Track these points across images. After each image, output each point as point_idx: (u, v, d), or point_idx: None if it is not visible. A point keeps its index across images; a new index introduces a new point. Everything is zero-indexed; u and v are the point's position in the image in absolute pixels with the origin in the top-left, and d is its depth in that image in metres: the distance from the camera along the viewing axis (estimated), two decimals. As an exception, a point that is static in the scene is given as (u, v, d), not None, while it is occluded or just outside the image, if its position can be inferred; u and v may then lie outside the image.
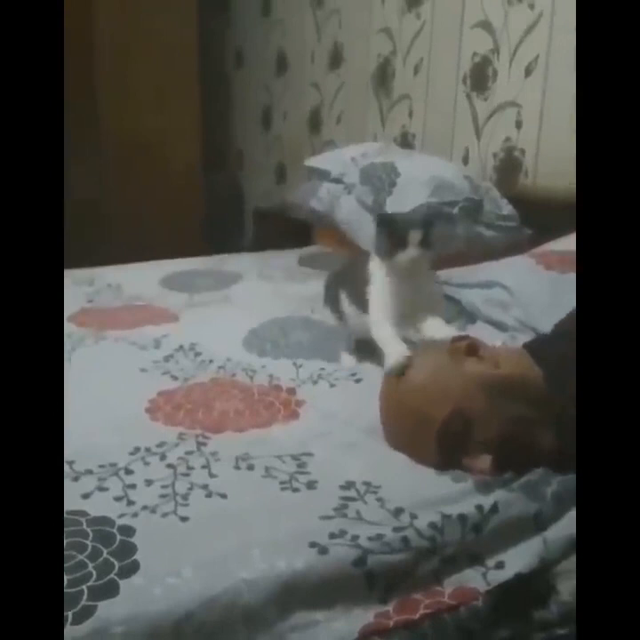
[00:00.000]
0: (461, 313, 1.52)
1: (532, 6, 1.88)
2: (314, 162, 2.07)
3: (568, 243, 1.59)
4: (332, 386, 1.14)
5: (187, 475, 0.82)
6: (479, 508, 0.77)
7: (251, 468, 0.85)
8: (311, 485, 0.81)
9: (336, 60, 2.71)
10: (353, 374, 1.17)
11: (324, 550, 0.70)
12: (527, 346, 1.00)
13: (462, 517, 0.75)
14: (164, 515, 0.75)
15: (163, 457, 0.87)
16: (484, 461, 0.84)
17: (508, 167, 2.03)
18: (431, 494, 0.79)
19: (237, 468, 0.85)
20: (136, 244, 2.31)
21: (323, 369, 1.20)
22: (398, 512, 0.76)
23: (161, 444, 0.90)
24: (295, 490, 0.80)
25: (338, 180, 1.90)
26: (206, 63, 3.17)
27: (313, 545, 0.70)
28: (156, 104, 2.93)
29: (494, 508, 0.77)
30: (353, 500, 0.78)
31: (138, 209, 2.83)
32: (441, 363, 0.92)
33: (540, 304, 1.36)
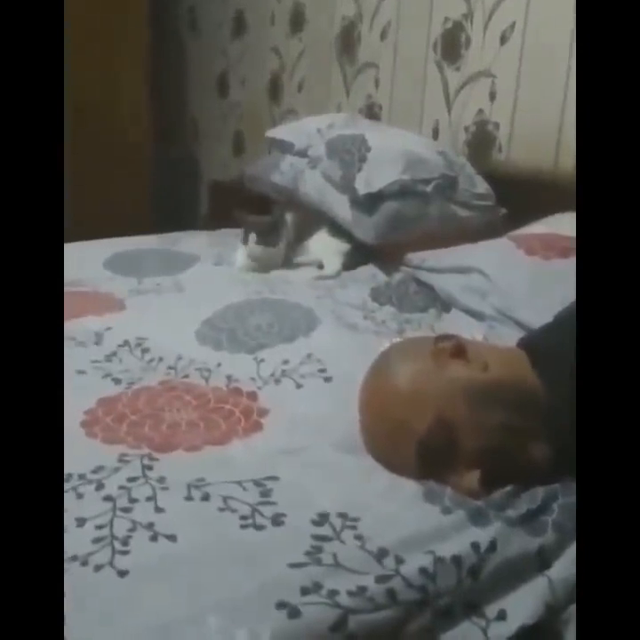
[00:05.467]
0: (435, 300, 1.41)
1: (509, -32, 1.76)
2: (276, 133, 1.92)
3: (550, 225, 1.50)
4: (298, 386, 1.01)
5: (128, 510, 0.69)
6: (475, 546, 0.66)
7: (205, 497, 0.71)
8: (277, 520, 0.68)
9: (298, 22, 2.54)
10: (321, 370, 1.05)
11: (295, 612, 0.57)
12: (523, 342, 0.90)
13: (457, 560, 0.64)
14: (98, 568, 0.61)
15: (99, 486, 0.72)
16: (471, 478, 0.74)
17: (481, 142, 1.92)
18: (419, 528, 0.68)
19: (189, 498, 0.71)
20: (78, 221, 2.12)
21: (286, 362, 1.07)
22: (382, 554, 0.64)
23: (97, 469, 0.75)
24: (259, 527, 0.67)
25: (302, 154, 1.76)
26: (157, 24, 2.94)
27: (281, 605, 0.57)
28: (101, 69, 2.70)
29: (492, 546, 0.66)
30: (328, 539, 0.66)
31: (81, 182, 2.61)
32: (423, 366, 0.81)
33: (522, 292, 1.26)
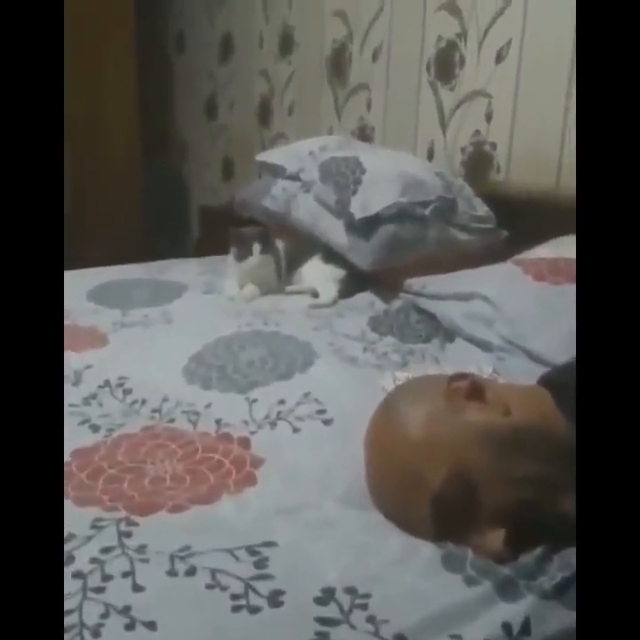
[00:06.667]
0: (437, 329, 1.33)
1: (504, -16, 1.71)
2: (267, 156, 1.85)
3: (555, 248, 1.42)
4: (295, 431, 0.92)
5: (100, 590, 0.59)
6: (507, 627, 0.56)
7: (191, 572, 0.62)
8: (275, 600, 0.59)
9: (287, 44, 2.49)
10: (320, 411, 0.96)
11: None
12: (545, 380, 0.81)
13: (487, 647, 0.55)
14: (63, 669, 0.51)
15: (69, 559, 0.63)
16: (495, 539, 0.65)
17: (478, 163, 1.86)
18: (440, 604, 0.59)
19: (173, 573, 0.62)
20: (67, 250, 2.04)
21: (282, 402, 0.98)
22: (399, 642, 0.55)
23: (68, 538, 0.66)
24: (253, 610, 0.57)
25: (294, 177, 1.69)
26: (144, 45, 2.89)
27: None
28: (88, 91, 2.64)
29: (526, 627, 0.57)
30: (335, 623, 0.56)
31: (68, 210, 2.54)
32: (436, 409, 0.72)
33: (531, 320, 1.18)
